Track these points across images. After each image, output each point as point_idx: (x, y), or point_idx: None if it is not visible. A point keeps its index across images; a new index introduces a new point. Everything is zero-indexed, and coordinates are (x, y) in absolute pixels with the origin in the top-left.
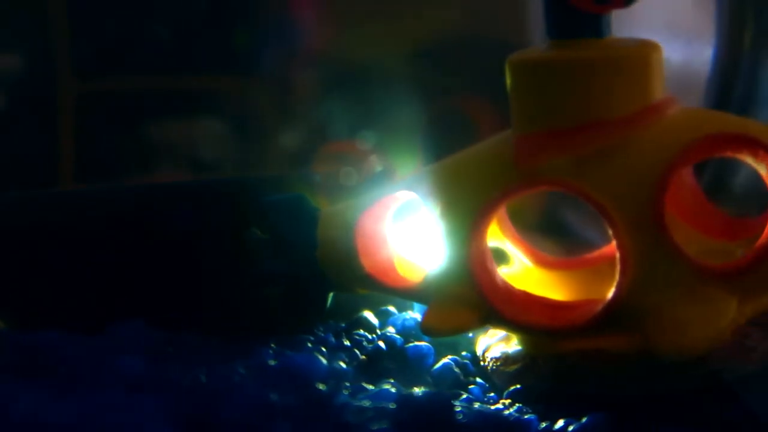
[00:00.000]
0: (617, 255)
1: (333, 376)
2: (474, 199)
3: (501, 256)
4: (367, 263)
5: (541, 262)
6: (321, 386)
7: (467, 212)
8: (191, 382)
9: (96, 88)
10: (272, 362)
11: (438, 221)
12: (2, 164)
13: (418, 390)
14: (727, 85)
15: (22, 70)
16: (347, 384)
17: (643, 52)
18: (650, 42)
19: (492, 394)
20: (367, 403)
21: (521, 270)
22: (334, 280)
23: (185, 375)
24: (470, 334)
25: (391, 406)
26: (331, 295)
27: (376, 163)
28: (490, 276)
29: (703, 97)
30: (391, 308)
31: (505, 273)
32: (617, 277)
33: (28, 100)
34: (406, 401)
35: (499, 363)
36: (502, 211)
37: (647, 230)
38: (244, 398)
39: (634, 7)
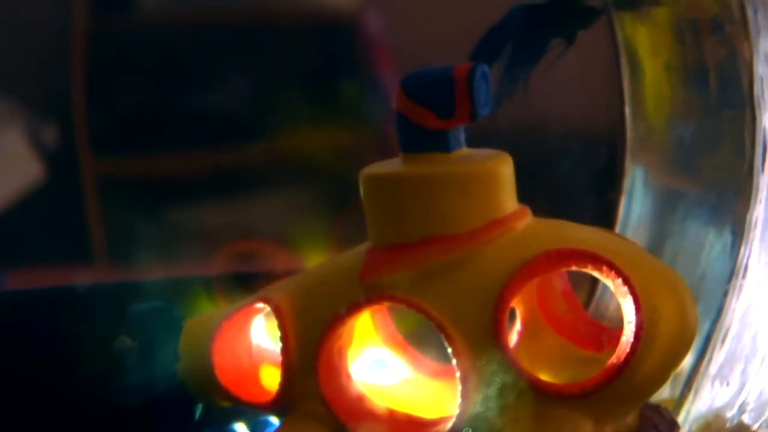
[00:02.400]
0: (457, 375)
1: None
2: (324, 313)
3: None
4: (222, 376)
5: (424, 370)
6: None
7: (317, 327)
8: None
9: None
10: None
11: (288, 333)
12: (34, 241)
13: None
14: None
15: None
16: None
17: (488, 166)
18: (500, 155)
19: None
20: None
21: (404, 380)
22: (195, 392)
23: None
24: None
25: None
26: (200, 406)
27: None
28: (342, 391)
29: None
30: (272, 419)
31: (383, 385)
32: (459, 398)
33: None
34: None
35: None
36: (384, 318)
37: (487, 350)
38: None
39: None
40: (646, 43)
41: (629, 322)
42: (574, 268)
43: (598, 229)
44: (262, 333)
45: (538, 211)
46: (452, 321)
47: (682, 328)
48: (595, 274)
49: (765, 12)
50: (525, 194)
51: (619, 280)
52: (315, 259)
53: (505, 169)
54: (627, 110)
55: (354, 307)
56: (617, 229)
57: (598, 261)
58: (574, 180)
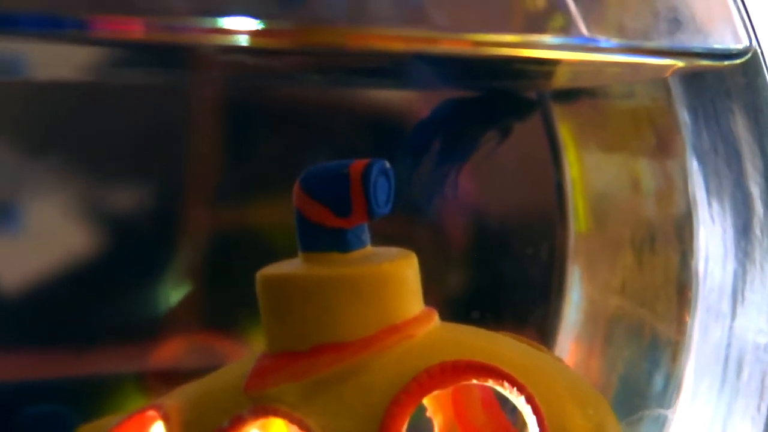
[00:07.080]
0: None
1: None
2: (211, 426)
3: None
4: None
5: None
6: None
7: None
8: None
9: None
10: None
11: None
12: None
13: None
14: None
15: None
16: None
17: (383, 268)
18: (402, 255)
19: None
20: None
21: None
22: None
23: None
24: None
25: None
26: None
27: None
28: None
29: None
30: None
31: None
32: None
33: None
34: None
35: None
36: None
37: None
38: None
39: None
40: (582, 137)
41: None
42: (474, 381)
43: (512, 338)
44: None
45: (471, 313)
46: None
47: None
48: (499, 389)
49: (688, 104)
50: (459, 294)
51: (522, 398)
52: None
53: (405, 270)
54: (568, 208)
55: (236, 421)
56: (557, 338)
57: (498, 375)
58: (511, 282)
